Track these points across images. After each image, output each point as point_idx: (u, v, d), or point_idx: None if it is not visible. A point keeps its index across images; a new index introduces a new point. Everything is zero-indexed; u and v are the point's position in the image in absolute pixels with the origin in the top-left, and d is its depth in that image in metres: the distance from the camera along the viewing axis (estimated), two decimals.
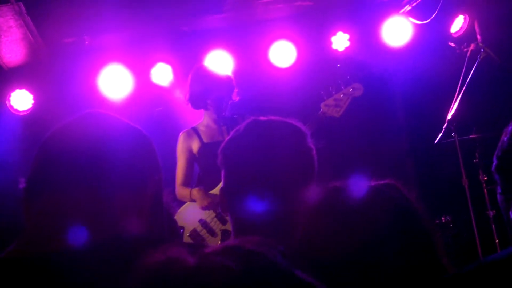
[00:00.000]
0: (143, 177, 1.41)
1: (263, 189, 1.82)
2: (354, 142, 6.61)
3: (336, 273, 1.41)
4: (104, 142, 1.37)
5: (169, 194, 4.37)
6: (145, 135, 1.47)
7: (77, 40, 6.04)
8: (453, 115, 5.57)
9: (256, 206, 1.81)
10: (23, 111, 6.16)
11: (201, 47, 6.32)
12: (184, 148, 4.90)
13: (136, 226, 1.36)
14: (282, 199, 1.79)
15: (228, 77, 4.89)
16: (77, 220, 1.29)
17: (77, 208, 1.30)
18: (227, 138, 1.97)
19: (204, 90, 4.80)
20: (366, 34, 6.59)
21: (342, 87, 5.18)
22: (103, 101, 6.18)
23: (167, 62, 6.30)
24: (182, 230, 4.55)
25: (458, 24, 6.45)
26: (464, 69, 5.72)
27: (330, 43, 6.52)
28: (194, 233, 4.71)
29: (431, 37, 6.50)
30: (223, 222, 4.68)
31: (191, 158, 4.91)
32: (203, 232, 4.73)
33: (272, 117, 1.95)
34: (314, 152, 1.92)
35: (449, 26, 6.45)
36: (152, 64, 6.29)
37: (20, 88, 6.13)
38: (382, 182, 1.57)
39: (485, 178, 5.49)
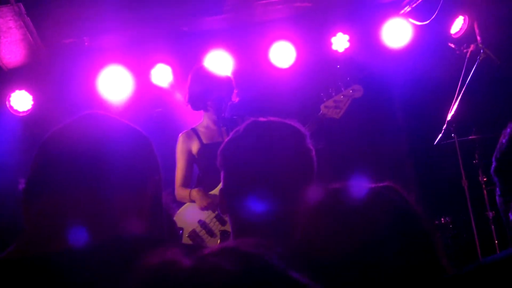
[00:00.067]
0: (143, 177, 1.41)
1: (263, 190, 1.82)
2: (354, 143, 6.61)
3: (336, 273, 1.41)
4: (103, 143, 1.37)
5: (169, 195, 4.38)
6: (144, 136, 1.47)
7: (76, 41, 6.04)
8: (452, 116, 5.57)
9: (256, 207, 1.81)
10: (23, 111, 6.16)
11: (201, 48, 6.32)
12: (183, 149, 4.90)
13: (136, 226, 1.36)
14: (282, 200, 1.79)
15: (227, 78, 4.89)
16: (76, 220, 1.29)
17: (77, 209, 1.30)
18: (226, 139, 1.97)
19: (204, 91, 4.80)
20: (366, 35, 6.60)
21: (342, 89, 5.18)
22: (102, 102, 6.18)
23: (167, 63, 6.31)
24: (181, 231, 4.56)
25: (457, 25, 6.45)
26: (463, 70, 5.72)
27: (330, 44, 6.53)
28: (193, 234, 4.72)
29: (430, 38, 6.51)
30: (222, 222, 4.68)
31: (191, 159, 4.91)
32: (202, 233, 4.73)
33: (272, 118, 1.95)
34: (314, 153, 1.92)
35: (448, 27, 6.45)
36: (151, 65, 6.30)
37: (20, 89, 6.14)
38: (381, 184, 1.57)
39: (484, 179, 5.49)
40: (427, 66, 6.47)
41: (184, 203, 4.84)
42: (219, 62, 6.21)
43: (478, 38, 6.34)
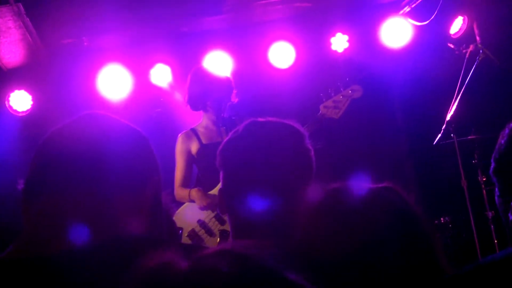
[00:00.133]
0: (142, 178, 1.41)
1: (262, 190, 1.82)
2: (353, 143, 6.61)
3: (336, 273, 1.41)
4: (103, 143, 1.37)
5: (168, 195, 4.39)
6: (144, 136, 1.47)
7: (76, 41, 6.04)
8: (452, 116, 5.57)
9: (255, 207, 1.81)
10: (22, 111, 6.17)
11: (200, 48, 6.32)
12: (183, 149, 4.91)
13: (135, 226, 1.36)
14: (281, 200, 1.80)
15: (227, 79, 4.89)
16: (76, 220, 1.29)
17: (76, 209, 1.30)
18: (225, 140, 1.97)
19: (203, 92, 4.80)
20: (365, 36, 6.60)
21: (341, 89, 5.18)
22: (102, 102, 6.18)
23: (166, 63, 6.31)
24: (180, 231, 4.56)
25: (457, 25, 6.46)
26: (463, 70, 5.73)
27: (329, 44, 6.53)
28: (192, 234, 4.72)
29: (430, 38, 6.51)
30: (222, 222, 4.68)
31: (190, 160, 4.91)
32: (202, 233, 4.73)
33: (270, 119, 1.95)
34: (313, 153, 1.93)
35: (448, 28, 6.46)
36: (151, 65, 6.30)
37: (19, 89, 6.14)
38: (381, 185, 1.57)
39: (484, 179, 5.50)
40: (427, 66, 6.47)
41: (183, 203, 4.84)
42: (219, 62, 6.21)
43: (478, 38, 6.34)
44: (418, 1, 6.31)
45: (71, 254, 1.23)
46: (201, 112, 4.94)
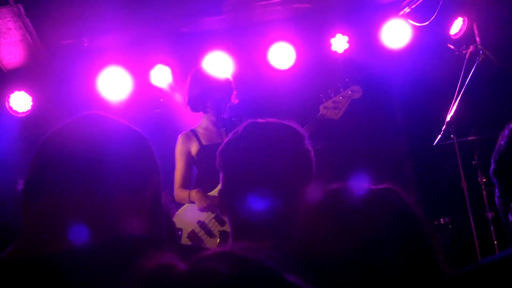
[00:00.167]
0: (142, 178, 1.41)
1: (262, 191, 1.82)
2: (353, 144, 6.61)
3: (336, 273, 1.41)
4: (102, 144, 1.37)
5: (168, 196, 4.39)
6: (144, 136, 1.47)
7: (76, 41, 6.04)
8: (452, 117, 5.58)
9: (255, 207, 1.81)
10: (22, 112, 6.17)
11: (200, 49, 6.32)
12: (182, 150, 4.90)
13: (135, 227, 1.36)
14: (281, 201, 1.80)
15: (227, 80, 4.89)
16: (76, 221, 1.29)
17: (76, 209, 1.30)
18: (225, 141, 1.98)
19: (203, 93, 4.80)
20: (365, 36, 6.60)
21: (341, 90, 5.18)
22: (102, 102, 6.18)
23: (166, 63, 6.31)
24: (180, 232, 4.55)
25: (457, 26, 6.46)
26: (463, 71, 5.73)
27: (329, 45, 6.53)
28: (192, 234, 4.72)
29: (430, 39, 6.51)
30: (221, 223, 4.68)
31: (190, 161, 4.91)
32: (201, 234, 4.73)
33: (270, 119, 1.95)
34: (312, 154, 1.93)
35: (448, 28, 6.46)
36: (151, 66, 6.30)
37: (19, 89, 6.14)
38: (381, 186, 1.57)
39: (483, 180, 5.50)
40: (427, 67, 6.47)
41: (183, 204, 4.84)
42: (218, 63, 6.21)
43: (478, 39, 6.34)
44: (418, 2, 6.31)
45: (71, 254, 1.23)
46: (201, 113, 4.94)
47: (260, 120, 1.95)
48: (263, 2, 6.07)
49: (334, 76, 5.55)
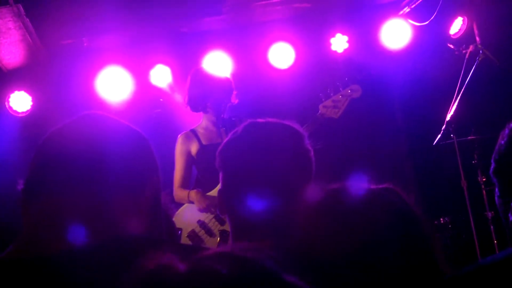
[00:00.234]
0: (142, 178, 1.41)
1: (261, 191, 1.82)
2: (353, 143, 6.61)
3: (336, 273, 1.41)
4: (102, 144, 1.37)
5: (167, 195, 4.38)
6: (143, 136, 1.47)
7: (75, 41, 6.04)
8: (451, 117, 5.58)
9: (254, 207, 1.81)
10: (22, 112, 6.17)
11: (200, 49, 6.32)
12: (182, 150, 4.90)
13: (135, 227, 1.36)
14: (280, 200, 1.80)
15: (227, 80, 4.89)
16: (76, 221, 1.29)
17: (76, 209, 1.30)
18: (224, 140, 1.98)
19: (203, 93, 4.81)
20: (365, 36, 6.60)
21: (340, 89, 5.19)
22: (101, 102, 6.18)
23: (166, 63, 6.31)
24: (180, 232, 4.55)
25: (457, 26, 6.46)
26: (462, 71, 5.73)
27: (329, 44, 6.53)
28: (192, 234, 4.72)
29: (430, 39, 6.51)
30: (221, 222, 4.68)
31: (190, 161, 4.91)
32: (202, 233, 4.73)
33: (270, 119, 1.95)
34: (312, 153, 1.93)
35: (448, 28, 6.46)
36: (151, 66, 6.30)
37: (19, 89, 6.14)
38: (381, 186, 1.57)
39: (483, 179, 5.50)
40: (426, 66, 6.47)
41: (183, 204, 4.84)
42: (218, 63, 6.21)
43: (477, 38, 6.34)
44: (418, 2, 6.31)
45: (71, 254, 1.23)
46: (201, 113, 4.94)
47: (259, 120, 1.95)
48: (263, 2, 6.07)
49: (334, 76, 5.54)
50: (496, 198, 2.04)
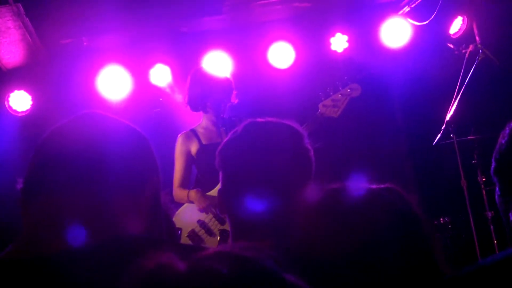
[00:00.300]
0: (142, 178, 1.41)
1: (261, 190, 1.82)
2: (352, 142, 6.61)
3: (336, 273, 1.41)
4: (102, 143, 1.36)
5: (167, 195, 4.38)
6: (143, 136, 1.47)
7: (75, 41, 6.04)
8: (451, 116, 5.58)
9: (254, 207, 1.81)
10: (22, 112, 6.17)
11: (200, 48, 6.32)
12: (182, 150, 4.91)
13: (134, 226, 1.36)
14: (280, 200, 1.80)
15: (227, 80, 4.89)
16: (75, 220, 1.28)
17: (75, 209, 1.30)
18: (224, 140, 1.98)
19: (203, 93, 4.81)
20: (365, 36, 6.60)
21: (340, 88, 5.19)
22: (101, 102, 6.18)
23: (166, 63, 6.30)
24: (180, 231, 4.56)
25: (456, 25, 6.46)
26: (462, 70, 5.73)
27: (329, 44, 6.53)
28: (192, 234, 4.72)
29: (429, 38, 6.51)
30: (222, 222, 4.68)
31: (190, 160, 4.91)
32: (202, 233, 4.73)
33: (269, 119, 1.95)
34: (312, 153, 1.93)
35: (447, 28, 6.46)
36: (150, 65, 6.29)
37: (19, 89, 6.14)
38: (382, 185, 1.57)
39: (483, 179, 5.50)
40: (426, 66, 6.47)
41: (182, 204, 4.84)
42: (218, 63, 6.21)
43: (477, 38, 6.34)
44: (418, 1, 6.30)
45: (71, 254, 1.23)
46: (200, 112, 4.94)
47: (259, 120, 1.95)
48: (263, 2, 6.07)
49: (334, 75, 5.55)
50: (496, 197, 2.03)
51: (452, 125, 5.57)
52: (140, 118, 5.78)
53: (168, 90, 6.32)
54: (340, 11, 6.46)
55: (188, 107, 4.93)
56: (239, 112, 5.01)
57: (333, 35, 6.51)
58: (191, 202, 4.76)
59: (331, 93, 5.16)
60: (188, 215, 4.76)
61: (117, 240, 1.28)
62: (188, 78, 4.96)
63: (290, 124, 1.95)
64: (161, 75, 6.30)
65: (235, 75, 5.33)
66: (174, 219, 3.80)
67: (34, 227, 1.31)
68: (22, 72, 6.16)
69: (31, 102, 6.17)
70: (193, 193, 4.75)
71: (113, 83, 6.24)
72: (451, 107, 5.60)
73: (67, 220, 1.28)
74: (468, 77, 5.62)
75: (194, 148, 4.88)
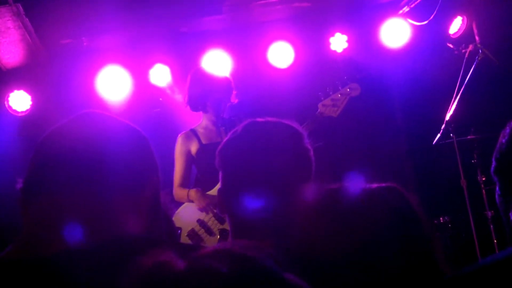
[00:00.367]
0: (142, 177, 1.40)
1: (261, 190, 1.82)
2: (352, 142, 6.61)
3: (336, 273, 1.41)
4: (102, 143, 1.36)
5: (167, 195, 4.38)
6: (143, 135, 1.46)
7: (75, 41, 6.04)
8: (451, 116, 5.58)
9: (254, 207, 1.81)
10: (22, 112, 6.16)
11: (199, 48, 6.32)
12: (182, 150, 4.91)
13: (134, 226, 1.36)
14: (280, 200, 1.80)
15: (227, 80, 4.89)
16: (75, 220, 1.28)
17: (75, 209, 1.30)
18: (224, 140, 1.98)
19: (203, 92, 4.81)
20: (365, 36, 6.60)
21: (339, 87, 5.19)
22: (101, 102, 6.18)
23: (165, 63, 6.30)
24: (179, 231, 4.56)
25: (456, 25, 6.46)
26: (462, 70, 5.73)
27: (329, 44, 6.53)
28: (192, 233, 4.72)
29: (429, 38, 6.51)
30: (221, 221, 4.68)
31: (189, 160, 4.92)
32: (201, 232, 4.73)
33: (269, 119, 1.95)
34: (311, 152, 1.93)
35: (447, 28, 6.45)
36: (150, 65, 6.29)
37: (19, 89, 6.14)
38: (383, 184, 1.57)
39: (483, 179, 5.50)
40: (426, 66, 6.47)
41: (182, 203, 4.84)
42: (218, 62, 6.21)
43: (477, 38, 6.34)
44: (417, 1, 6.30)
45: (70, 254, 1.23)
46: (200, 112, 4.95)
47: (259, 119, 1.95)
48: (263, 1, 6.07)
49: (333, 75, 5.55)
50: (496, 196, 2.04)
51: (452, 125, 5.57)
52: (140, 118, 5.78)
53: (168, 90, 6.32)
54: (339, 11, 6.46)
55: (188, 107, 4.93)
56: (239, 112, 5.01)
57: (333, 35, 6.51)
58: (191, 201, 4.76)
59: (331, 93, 5.17)
60: (188, 214, 4.76)
61: (117, 240, 1.28)
62: (188, 78, 4.96)
63: (289, 123, 1.95)
64: (161, 75, 6.30)
65: (235, 75, 5.33)
66: (174, 218, 3.80)
67: (34, 227, 1.31)
68: (22, 72, 6.16)
69: (30, 102, 6.17)
70: (193, 193, 4.75)
71: (113, 83, 6.23)
72: (451, 107, 5.60)
73: (67, 220, 1.28)
74: (468, 77, 5.62)
75: (194, 147, 4.88)
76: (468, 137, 5.62)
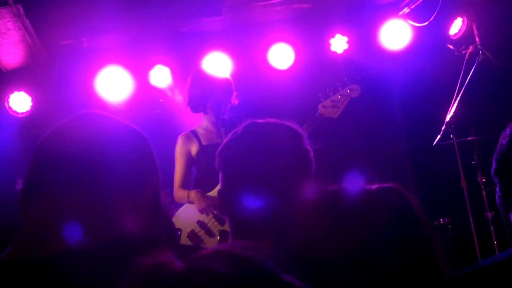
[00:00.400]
0: (142, 178, 1.41)
1: (261, 191, 1.82)
2: (352, 143, 6.61)
3: (336, 273, 1.41)
4: (102, 143, 1.36)
5: (167, 195, 4.38)
6: (143, 136, 1.46)
7: (75, 42, 6.04)
8: (451, 117, 5.58)
9: (254, 208, 1.81)
10: (22, 113, 6.17)
11: (200, 49, 6.32)
12: (182, 151, 4.91)
13: (134, 227, 1.36)
14: (280, 201, 1.79)
15: (227, 81, 4.89)
16: (75, 220, 1.28)
17: (75, 209, 1.30)
18: (224, 141, 1.98)
19: (204, 94, 4.81)
20: (365, 37, 6.60)
21: (340, 88, 5.19)
22: (101, 102, 6.18)
23: (166, 64, 6.30)
24: (179, 232, 4.55)
25: (456, 26, 6.46)
26: (462, 71, 5.73)
27: (329, 45, 6.53)
28: (192, 234, 4.72)
29: (429, 39, 6.51)
30: (221, 222, 4.68)
31: (190, 161, 4.92)
32: (201, 233, 4.73)
33: (269, 120, 1.95)
34: (312, 153, 1.93)
35: (447, 29, 6.46)
36: (150, 66, 6.29)
37: (19, 90, 6.14)
38: (383, 185, 1.57)
39: (483, 180, 5.50)
40: (426, 67, 6.47)
41: (182, 204, 4.84)
42: (218, 64, 6.21)
43: (477, 39, 6.34)
44: (418, 2, 6.31)
45: (70, 254, 1.23)
46: (201, 113, 4.95)
47: (259, 120, 1.95)
48: (263, 3, 6.07)
49: (334, 76, 5.55)
50: (497, 198, 2.03)
51: (452, 126, 5.57)
52: (140, 119, 5.78)
53: (168, 91, 6.32)
54: (340, 12, 6.46)
55: (188, 108, 4.93)
56: (239, 113, 5.01)
57: (333, 36, 6.51)
58: (191, 202, 4.76)
59: (331, 94, 5.16)
60: (188, 215, 4.76)
61: (117, 240, 1.28)
62: (188, 79, 4.96)
63: (290, 125, 1.95)
64: (161, 76, 6.30)
65: (235, 76, 5.33)
66: (174, 219, 3.80)
67: (34, 227, 1.31)
68: (22, 73, 6.16)
69: (31, 103, 6.17)
70: (193, 194, 4.75)
71: (113, 84, 6.24)
72: (451, 108, 5.61)
73: (67, 220, 1.28)
74: (468, 78, 5.62)
75: (194, 149, 4.88)
76: (468, 138, 5.62)
